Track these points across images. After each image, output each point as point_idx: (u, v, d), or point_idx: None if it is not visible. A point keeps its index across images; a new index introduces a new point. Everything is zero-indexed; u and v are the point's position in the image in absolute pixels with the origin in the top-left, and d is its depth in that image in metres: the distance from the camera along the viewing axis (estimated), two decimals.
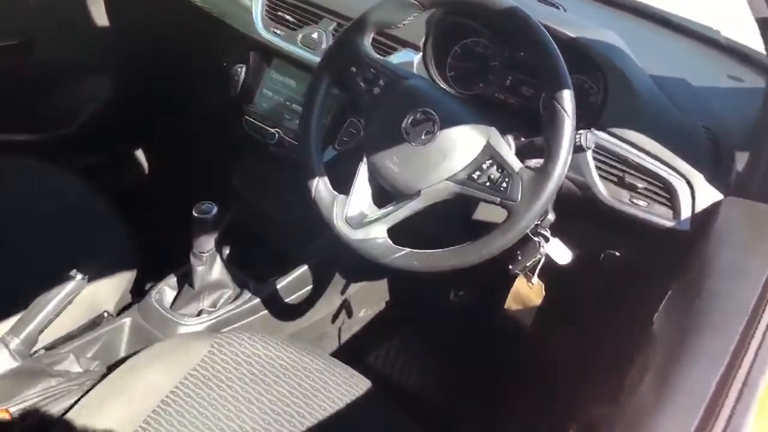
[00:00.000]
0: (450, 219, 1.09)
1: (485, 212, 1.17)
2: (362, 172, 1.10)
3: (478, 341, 1.72)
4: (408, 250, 1.04)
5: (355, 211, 1.09)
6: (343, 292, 1.66)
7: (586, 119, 1.16)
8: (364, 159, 1.10)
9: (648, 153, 1.12)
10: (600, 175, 1.14)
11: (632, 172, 1.13)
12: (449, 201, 1.05)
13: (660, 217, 1.11)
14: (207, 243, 1.32)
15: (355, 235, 1.07)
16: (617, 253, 1.24)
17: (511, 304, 1.17)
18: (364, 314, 1.79)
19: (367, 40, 1.13)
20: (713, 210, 1.07)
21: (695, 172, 1.10)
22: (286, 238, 1.59)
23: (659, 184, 1.11)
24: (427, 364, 1.81)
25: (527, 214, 0.96)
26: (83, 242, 1.43)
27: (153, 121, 2.00)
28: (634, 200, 1.13)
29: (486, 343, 1.72)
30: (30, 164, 1.61)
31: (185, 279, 1.42)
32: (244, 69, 1.47)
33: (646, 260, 1.21)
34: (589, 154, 1.12)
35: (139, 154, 2.05)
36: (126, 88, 1.91)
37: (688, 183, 1.10)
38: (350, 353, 1.75)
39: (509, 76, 1.29)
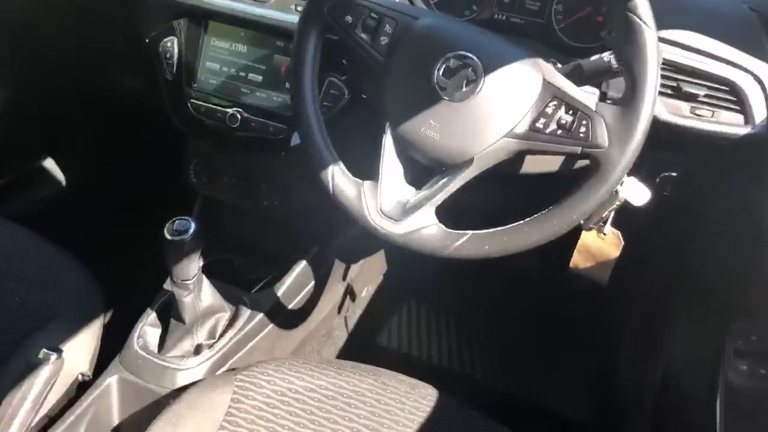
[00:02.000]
0: (490, 181, 0.88)
1: (535, 163, 0.96)
2: (388, 147, 0.87)
3: (505, 292, 1.56)
4: (471, 233, 0.83)
5: (390, 199, 0.87)
6: (344, 277, 1.45)
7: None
8: (387, 131, 0.87)
9: (702, 53, 0.95)
10: None
11: (689, 79, 0.96)
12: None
13: (730, 125, 0.95)
14: (190, 268, 1.06)
15: (398, 229, 0.85)
16: (674, 174, 1.07)
17: (579, 262, 0.99)
18: (366, 293, 1.59)
19: None
20: None
21: (761, 63, 0.93)
22: (271, 234, 1.35)
23: (723, 87, 0.95)
24: (447, 330, 1.64)
25: (622, 160, 0.77)
26: (27, 295, 1.12)
27: (65, 125, 1.65)
28: (696, 111, 0.97)
29: (520, 295, 1.56)
30: None
31: (168, 312, 1.16)
32: (175, 42, 1.17)
33: (720, 179, 1.05)
34: None
35: (52, 166, 1.70)
36: (20, 94, 1.54)
37: (757, 79, 0.93)
38: (361, 339, 1.56)
39: None
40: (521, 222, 0.81)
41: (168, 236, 1.02)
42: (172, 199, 1.34)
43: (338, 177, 0.88)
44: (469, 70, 0.81)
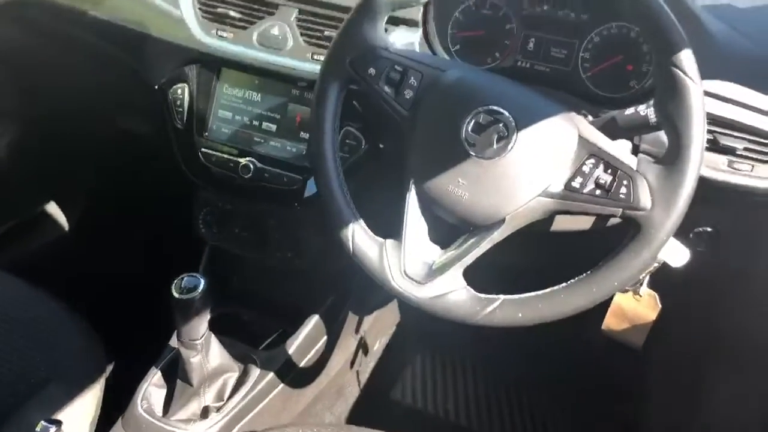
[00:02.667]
0: (515, 238, 0.83)
1: (565, 222, 0.91)
2: (412, 205, 0.82)
3: (524, 344, 1.49)
4: (502, 298, 0.78)
5: (414, 259, 0.81)
6: (357, 330, 1.39)
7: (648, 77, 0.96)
8: (411, 188, 0.82)
9: (741, 104, 0.91)
10: None
11: (727, 131, 0.91)
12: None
13: None
14: (199, 328, 1.01)
15: (423, 292, 0.80)
16: (709, 229, 1.02)
17: (612, 324, 0.94)
18: (378, 346, 1.53)
19: (381, 28, 0.84)
20: None
21: None
22: (281, 286, 1.29)
23: (763, 140, 0.90)
24: (465, 384, 1.57)
25: (667, 223, 0.72)
26: (25, 355, 1.07)
27: (67, 172, 1.61)
28: (734, 165, 0.92)
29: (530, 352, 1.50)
30: None
31: (173, 371, 1.10)
32: (186, 89, 1.14)
33: (758, 236, 1.00)
34: None
35: (55, 211, 1.65)
36: (22, 138, 1.50)
37: None
38: (374, 395, 1.49)
39: (532, 38, 1.04)
40: (558, 287, 0.76)
41: (176, 294, 0.97)
42: (177, 249, 1.29)
43: (359, 235, 0.83)
44: (500, 125, 0.76)
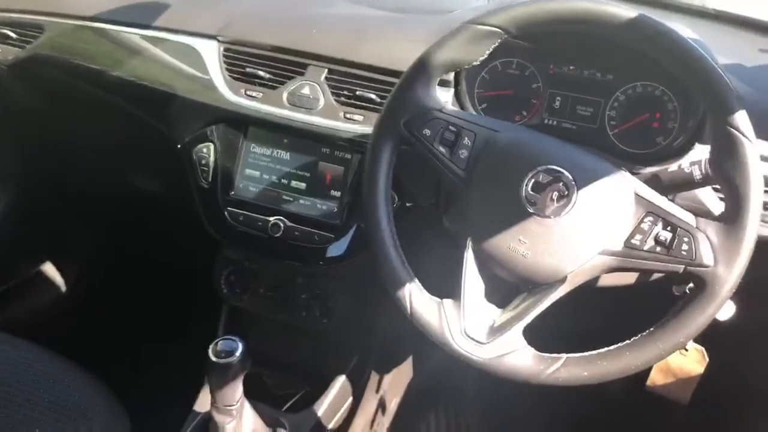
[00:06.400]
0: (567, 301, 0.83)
1: (611, 277, 0.92)
2: (470, 264, 0.82)
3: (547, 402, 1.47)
4: (565, 356, 0.78)
5: (474, 319, 0.81)
6: (378, 389, 1.36)
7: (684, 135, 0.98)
8: (468, 247, 0.82)
9: None
10: None
11: None
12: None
13: None
14: (235, 392, 0.98)
15: (485, 353, 0.79)
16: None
17: (657, 379, 0.94)
18: (394, 404, 1.50)
19: (434, 89, 0.85)
20: None
21: None
22: (304, 346, 1.27)
23: None
24: None
25: (730, 279, 0.73)
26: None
27: (77, 230, 1.57)
28: None
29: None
30: None
31: None
32: (211, 148, 1.12)
33: None
34: None
35: (53, 273, 1.60)
36: (21, 200, 1.46)
37: None
38: None
39: (558, 96, 1.07)
40: (623, 344, 0.77)
41: (213, 358, 0.94)
42: (189, 307, 1.26)
43: (416, 296, 0.82)
44: (560, 184, 0.78)
